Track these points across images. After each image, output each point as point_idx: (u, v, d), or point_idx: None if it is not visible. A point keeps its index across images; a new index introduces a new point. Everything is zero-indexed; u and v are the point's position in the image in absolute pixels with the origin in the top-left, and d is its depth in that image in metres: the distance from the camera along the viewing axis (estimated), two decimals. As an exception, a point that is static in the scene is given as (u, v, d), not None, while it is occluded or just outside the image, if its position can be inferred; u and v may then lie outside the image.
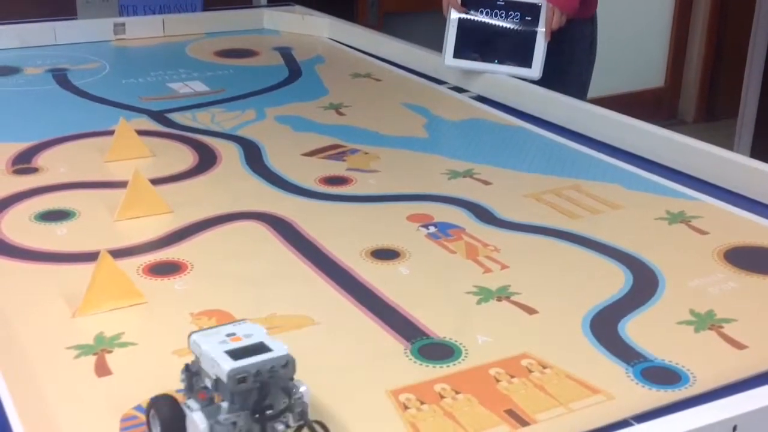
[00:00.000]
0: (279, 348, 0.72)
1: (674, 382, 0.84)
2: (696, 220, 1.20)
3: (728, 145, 2.84)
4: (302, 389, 0.73)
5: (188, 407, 0.72)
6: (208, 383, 0.72)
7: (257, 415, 0.70)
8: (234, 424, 0.70)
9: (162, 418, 0.73)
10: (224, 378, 0.69)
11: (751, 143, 3.28)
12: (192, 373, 0.74)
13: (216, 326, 0.76)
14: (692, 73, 4.14)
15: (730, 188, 1.31)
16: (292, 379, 0.72)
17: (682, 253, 1.11)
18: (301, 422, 0.73)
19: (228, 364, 0.69)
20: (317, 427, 0.73)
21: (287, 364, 0.72)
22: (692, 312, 0.97)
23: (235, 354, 0.71)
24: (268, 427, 0.71)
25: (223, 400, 0.71)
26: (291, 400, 0.72)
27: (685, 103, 4.19)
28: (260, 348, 0.72)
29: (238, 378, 0.69)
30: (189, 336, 0.74)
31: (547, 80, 1.74)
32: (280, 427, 0.71)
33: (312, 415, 0.74)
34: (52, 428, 0.78)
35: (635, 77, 4.04)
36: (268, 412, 0.70)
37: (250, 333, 0.74)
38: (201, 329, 0.76)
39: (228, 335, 0.74)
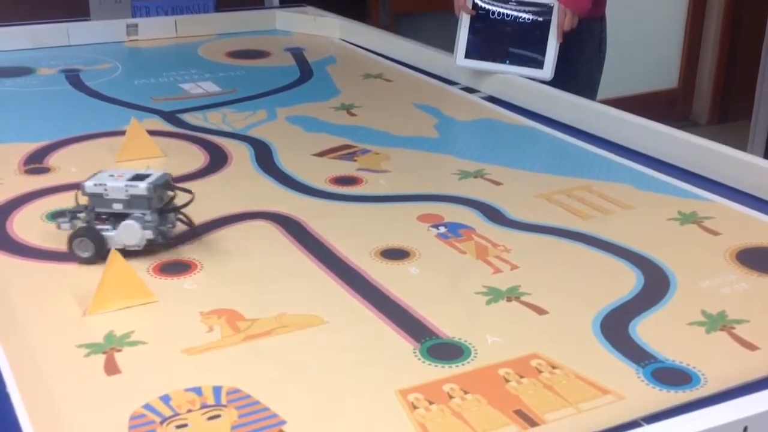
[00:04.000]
0: (156, 172, 1.09)
1: (685, 383, 0.84)
2: (708, 220, 1.20)
3: (742, 146, 2.82)
4: (170, 193, 1.10)
5: (103, 229, 1.07)
6: (119, 207, 1.07)
7: (161, 212, 1.07)
8: (154, 220, 1.06)
9: (92, 239, 1.05)
10: (145, 192, 1.06)
11: (764, 144, 3.26)
12: (89, 210, 1.07)
13: (94, 174, 1.09)
14: (706, 75, 4.12)
15: (743, 189, 1.30)
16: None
17: (694, 253, 1.11)
18: (180, 218, 1.11)
19: (144, 184, 1.06)
20: (182, 217, 1.11)
21: (169, 179, 1.10)
22: (704, 313, 0.96)
23: (135, 179, 1.07)
24: (166, 218, 1.09)
25: (133, 214, 1.06)
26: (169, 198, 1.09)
27: (698, 105, 4.17)
28: (145, 175, 1.08)
29: (154, 188, 1.06)
30: (82, 184, 1.08)
31: (556, 79, 1.73)
32: (169, 224, 1.09)
33: (318, 414, 0.76)
34: (62, 426, 0.78)
35: (648, 78, 4.02)
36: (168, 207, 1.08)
37: (123, 171, 1.10)
38: (88, 178, 1.08)
39: (111, 176, 1.08)
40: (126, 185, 1.06)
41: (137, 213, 1.06)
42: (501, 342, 0.91)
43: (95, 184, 1.07)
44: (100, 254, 1.05)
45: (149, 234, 1.06)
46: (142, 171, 1.10)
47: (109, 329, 0.92)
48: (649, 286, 1.02)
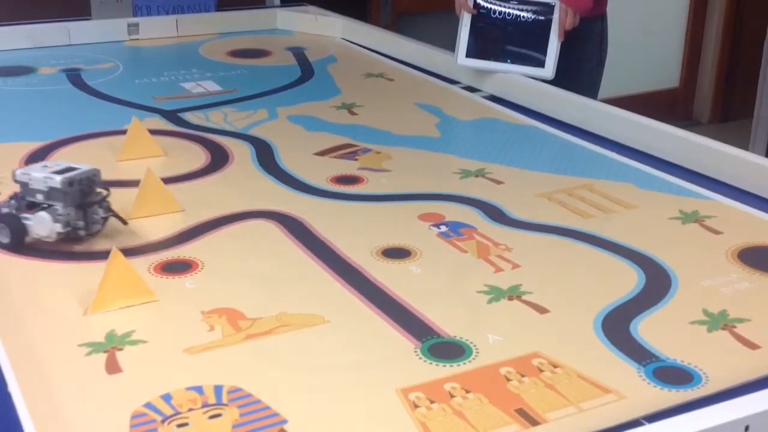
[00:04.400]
0: (86, 166, 1.11)
1: (686, 382, 0.83)
2: (710, 219, 1.20)
3: (743, 145, 2.82)
4: (105, 193, 1.11)
5: (26, 218, 1.08)
6: (40, 197, 1.08)
7: (81, 207, 1.08)
8: (67, 214, 1.07)
9: (10, 226, 1.08)
10: (59, 185, 1.07)
11: (766, 143, 3.26)
12: (19, 198, 1.09)
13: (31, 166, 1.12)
14: (707, 74, 4.11)
15: (745, 188, 1.30)
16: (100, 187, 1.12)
17: (696, 252, 1.11)
18: (108, 214, 1.12)
19: (59, 177, 1.07)
20: (120, 217, 1.13)
21: (96, 174, 1.11)
22: (705, 312, 0.96)
23: (60, 172, 1.09)
24: (89, 212, 1.09)
25: (54, 205, 1.08)
26: (100, 198, 1.11)
27: (699, 104, 4.16)
28: (73, 168, 1.10)
29: (68, 183, 1.07)
30: (13, 172, 1.10)
31: (558, 78, 1.73)
32: (96, 216, 1.10)
33: (320, 413, 0.76)
34: (63, 425, 0.78)
35: (650, 78, 4.02)
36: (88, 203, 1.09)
37: (60, 164, 1.11)
38: (21, 167, 1.11)
39: (44, 166, 1.11)
40: (45, 177, 1.08)
41: (57, 205, 1.08)
42: (502, 341, 0.91)
43: (22, 173, 1.10)
44: (18, 242, 1.08)
45: (59, 227, 1.07)
46: (78, 165, 1.11)
47: (110, 328, 0.92)
48: (650, 285, 1.02)
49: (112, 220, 1.13)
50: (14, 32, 2.10)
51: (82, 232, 1.09)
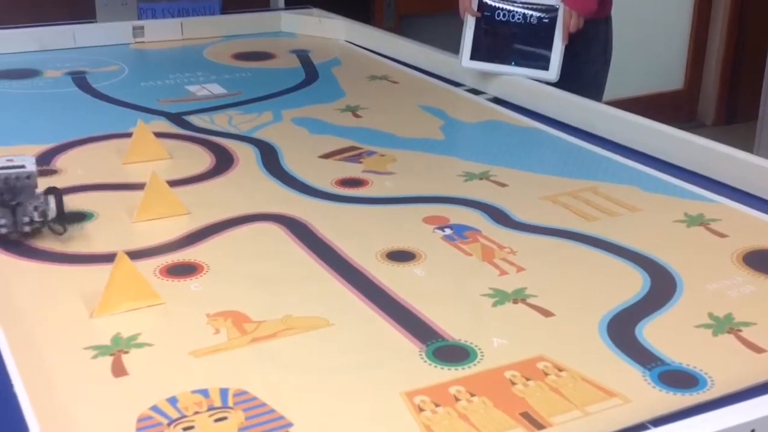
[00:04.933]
0: (30, 163, 1.12)
1: (692, 386, 0.83)
2: (715, 222, 1.19)
3: (748, 148, 2.81)
4: (47, 199, 1.12)
5: None
6: None
7: (9, 206, 1.09)
8: None
9: None
10: None
11: (771, 145, 3.25)
12: None
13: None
14: (712, 75, 4.11)
15: (750, 191, 1.30)
16: (38, 188, 1.12)
17: (701, 256, 1.11)
18: (42, 220, 1.12)
19: None
20: (56, 226, 1.12)
21: (30, 176, 1.11)
22: (710, 315, 0.96)
23: None
24: (18, 213, 1.10)
25: None
26: (36, 203, 1.11)
27: (704, 106, 4.16)
28: (17, 166, 1.10)
29: None
30: None
31: (562, 80, 1.73)
32: (26, 219, 1.10)
33: (325, 416, 0.76)
34: (69, 428, 0.78)
35: (654, 79, 4.02)
36: (16, 203, 1.09)
37: (22, 161, 1.12)
38: None
39: (8, 160, 1.12)
40: None
41: None
42: (507, 344, 0.91)
43: None
44: None
45: None
46: (22, 162, 1.12)
47: (116, 331, 0.93)
48: (655, 288, 1.02)
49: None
50: (20, 35, 2.10)
51: (3, 230, 1.10)
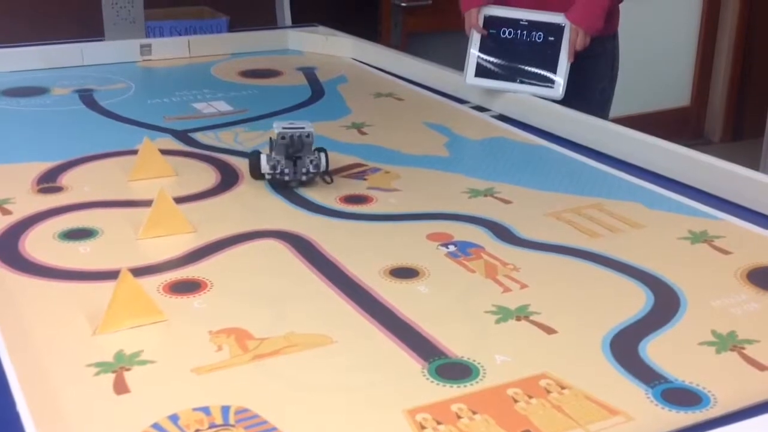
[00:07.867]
0: (309, 126, 1.35)
1: (695, 404, 0.83)
2: (719, 239, 1.19)
3: (754, 164, 2.81)
4: (321, 155, 1.37)
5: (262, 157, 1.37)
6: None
7: (290, 158, 1.34)
8: (278, 161, 1.34)
9: (250, 159, 1.39)
10: (273, 137, 1.34)
11: (778, 162, 3.24)
12: (272, 142, 1.35)
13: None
14: (718, 92, 4.11)
15: (754, 208, 1.30)
16: (314, 146, 1.36)
17: (705, 273, 1.10)
18: (315, 171, 1.36)
19: (278, 130, 1.33)
20: (326, 176, 1.38)
21: (309, 135, 1.34)
22: (714, 333, 0.96)
23: (285, 128, 1.34)
24: (299, 164, 1.34)
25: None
26: (312, 157, 1.36)
27: (711, 123, 4.15)
28: (299, 127, 1.34)
29: (280, 136, 1.33)
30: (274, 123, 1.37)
31: (569, 97, 1.73)
32: (304, 169, 1.35)
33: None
34: (71, 445, 0.78)
35: (660, 96, 4.01)
36: (297, 155, 1.34)
37: (302, 124, 1.36)
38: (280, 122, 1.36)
39: (290, 123, 1.36)
40: (275, 127, 1.34)
41: (273, 152, 1.36)
42: (510, 361, 0.91)
43: (274, 127, 1.35)
44: (254, 174, 1.38)
45: (268, 169, 1.34)
46: (303, 125, 1.35)
47: (118, 348, 0.93)
48: (659, 305, 1.02)
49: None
50: (28, 53, 2.12)
51: (286, 178, 1.34)
